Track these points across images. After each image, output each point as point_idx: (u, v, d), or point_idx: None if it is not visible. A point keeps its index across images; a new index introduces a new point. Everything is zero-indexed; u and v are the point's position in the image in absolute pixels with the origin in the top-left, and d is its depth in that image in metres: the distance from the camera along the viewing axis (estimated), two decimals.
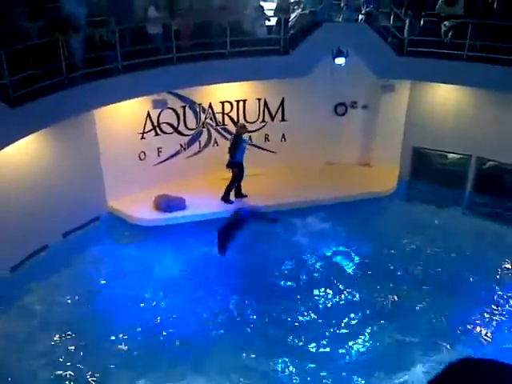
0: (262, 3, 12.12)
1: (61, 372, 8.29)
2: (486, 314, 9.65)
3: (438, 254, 11.30)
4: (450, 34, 11.41)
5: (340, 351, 8.85)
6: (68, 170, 10.80)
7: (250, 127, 13.32)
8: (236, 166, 12.10)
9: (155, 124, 12.38)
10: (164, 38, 10.96)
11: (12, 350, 8.55)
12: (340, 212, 12.23)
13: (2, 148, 8.64)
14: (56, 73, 9.36)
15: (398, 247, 11.52)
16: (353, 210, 12.34)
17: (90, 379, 8.22)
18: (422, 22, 11.76)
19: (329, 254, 11.35)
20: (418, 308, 9.83)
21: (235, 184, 12.33)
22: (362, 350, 8.90)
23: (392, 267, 10.95)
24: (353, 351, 8.86)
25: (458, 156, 13.04)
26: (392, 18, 11.88)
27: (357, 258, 11.23)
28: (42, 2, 9.92)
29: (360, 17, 12.13)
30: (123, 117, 11.76)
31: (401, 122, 13.34)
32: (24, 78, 8.86)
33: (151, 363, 8.49)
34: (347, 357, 8.74)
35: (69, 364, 8.42)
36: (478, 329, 9.33)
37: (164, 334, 9.15)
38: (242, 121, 13.21)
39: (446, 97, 12.68)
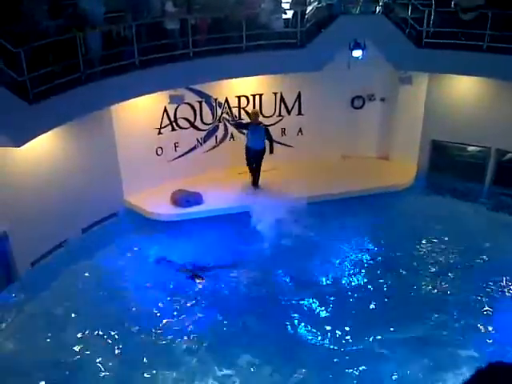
0: None
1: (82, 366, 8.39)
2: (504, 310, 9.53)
3: (457, 247, 11.16)
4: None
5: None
6: (86, 166, 10.86)
7: (266, 121, 13.31)
8: (245, 149, 12.60)
9: (172, 119, 12.41)
10: (181, 33, 10.95)
11: (30, 348, 8.62)
12: (358, 206, 12.17)
13: (22, 145, 8.70)
14: (74, 69, 9.40)
15: (416, 241, 11.42)
16: (371, 204, 12.26)
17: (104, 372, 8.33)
18: (441, 13, 11.58)
19: (346, 248, 11.29)
20: (435, 302, 9.75)
21: (249, 168, 12.78)
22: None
23: (410, 260, 10.85)
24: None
25: (477, 148, 12.88)
26: (410, 9, 11.73)
27: (374, 252, 11.14)
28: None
29: (377, 8, 11.99)
30: (140, 112, 11.79)
31: (419, 114, 13.20)
32: (42, 75, 8.91)
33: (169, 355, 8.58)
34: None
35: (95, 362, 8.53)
36: (501, 324, 9.18)
37: (179, 327, 9.19)
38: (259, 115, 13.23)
39: (464, 88, 12.51)
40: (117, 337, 8.90)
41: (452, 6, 11.47)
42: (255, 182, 12.81)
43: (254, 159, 12.65)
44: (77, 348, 8.67)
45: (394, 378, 8.10)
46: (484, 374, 1.62)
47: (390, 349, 8.60)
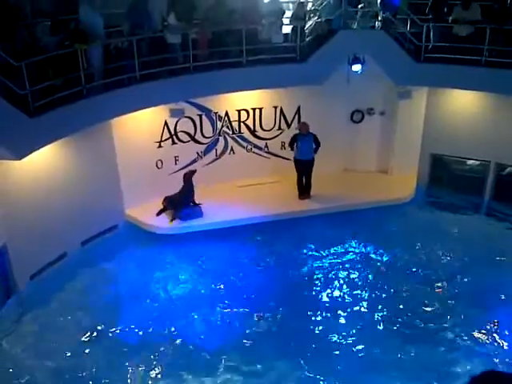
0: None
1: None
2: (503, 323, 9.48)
3: (456, 260, 11.14)
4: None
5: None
6: (86, 179, 10.88)
7: (266, 135, 13.39)
8: (294, 163, 12.79)
9: (172, 133, 12.47)
10: (181, 47, 11.04)
11: (27, 363, 8.54)
12: (358, 219, 12.17)
13: (23, 157, 8.73)
14: (75, 83, 9.46)
15: (415, 254, 11.40)
16: (371, 217, 12.26)
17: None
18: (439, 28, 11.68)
19: (346, 260, 11.27)
20: (436, 315, 9.71)
21: (300, 180, 12.93)
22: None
23: (410, 273, 10.84)
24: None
25: (477, 162, 12.91)
26: (409, 24, 11.83)
27: (375, 265, 11.12)
28: (61, 15, 10.03)
29: (376, 23, 12.10)
30: (140, 126, 11.85)
31: (418, 128, 13.24)
32: (43, 89, 8.97)
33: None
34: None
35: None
36: (496, 337, 9.15)
37: (179, 340, 9.15)
38: (258, 128, 13.29)
39: (463, 102, 12.57)
40: (118, 351, 8.83)
41: (449, 21, 11.59)
42: (308, 192, 12.93)
43: (304, 170, 12.80)
44: (75, 363, 8.61)
45: None
46: (478, 381, 1.62)
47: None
